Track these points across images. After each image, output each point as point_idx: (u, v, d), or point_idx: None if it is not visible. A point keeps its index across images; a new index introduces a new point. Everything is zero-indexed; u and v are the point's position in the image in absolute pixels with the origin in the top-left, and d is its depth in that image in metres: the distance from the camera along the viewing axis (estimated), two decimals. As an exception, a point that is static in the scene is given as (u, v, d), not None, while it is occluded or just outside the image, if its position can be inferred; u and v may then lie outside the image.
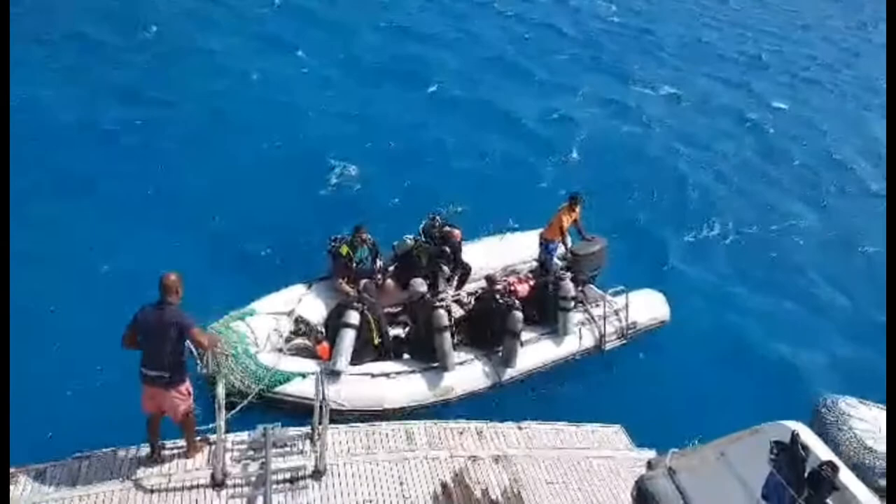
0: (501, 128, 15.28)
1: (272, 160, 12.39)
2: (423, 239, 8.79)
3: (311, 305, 8.10)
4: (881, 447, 5.94)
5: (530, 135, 15.31)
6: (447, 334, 7.38)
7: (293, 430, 6.16)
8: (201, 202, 10.82)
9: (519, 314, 7.72)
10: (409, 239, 8.77)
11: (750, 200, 14.50)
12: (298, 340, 7.79)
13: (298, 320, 7.89)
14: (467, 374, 7.65)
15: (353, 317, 7.04)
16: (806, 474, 4.89)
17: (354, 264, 8.24)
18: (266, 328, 7.52)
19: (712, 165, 15.67)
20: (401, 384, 7.29)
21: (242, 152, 12.49)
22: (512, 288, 8.72)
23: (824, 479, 4.80)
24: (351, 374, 7.12)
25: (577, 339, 8.53)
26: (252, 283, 8.61)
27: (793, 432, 5.10)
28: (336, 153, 12.83)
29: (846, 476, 4.93)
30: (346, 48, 18.10)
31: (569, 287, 8.38)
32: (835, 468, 4.87)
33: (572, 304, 8.42)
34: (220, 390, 5.44)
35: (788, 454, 5.05)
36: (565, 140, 15.28)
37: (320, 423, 5.75)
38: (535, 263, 9.67)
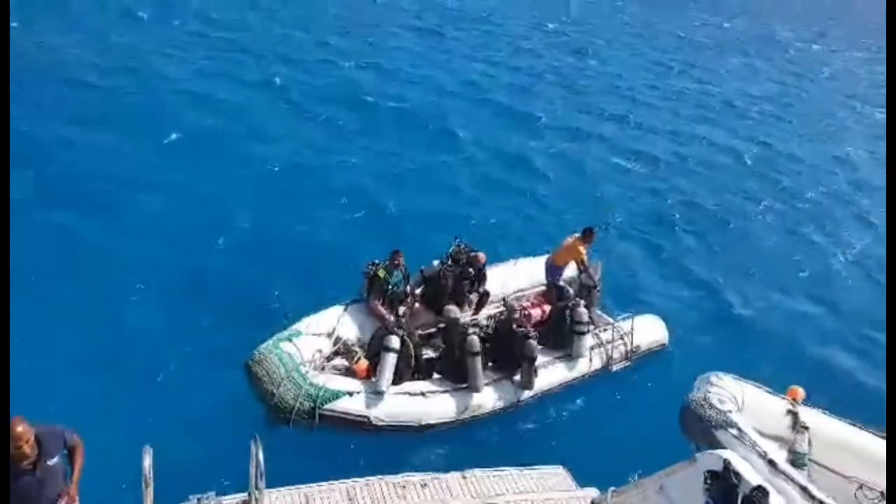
0: (491, 162, 16.88)
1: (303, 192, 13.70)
2: (450, 263, 9.54)
3: (349, 327, 8.78)
4: (723, 406, 7.38)
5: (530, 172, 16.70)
6: (479, 358, 8.13)
7: (227, 500, 5.96)
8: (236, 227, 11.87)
9: (534, 342, 8.51)
10: (436, 263, 9.51)
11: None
12: (338, 360, 8.46)
13: (338, 341, 8.56)
14: (492, 394, 8.41)
15: (395, 342, 7.75)
16: (739, 500, 5.10)
17: (389, 287, 8.95)
18: (311, 348, 8.17)
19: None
20: (435, 403, 8.02)
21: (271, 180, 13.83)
22: (526, 313, 9.53)
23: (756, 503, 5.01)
24: (391, 394, 7.83)
25: (587, 362, 9.34)
26: (292, 305, 9.42)
27: (724, 461, 5.37)
28: (353, 184, 14.21)
29: (776, 500, 5.23)
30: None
31: (583, 312, 9.19)
32: (765, 492, 5.06)
33: (586, 328, 9.24)
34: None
35: (722, 482, 5.21)
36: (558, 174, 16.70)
37: (257, 489, 5.73)
38: (542, 287, 10.50)
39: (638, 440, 8.35)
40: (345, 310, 8.95)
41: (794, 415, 7.77)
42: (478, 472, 6.97)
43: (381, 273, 8.90)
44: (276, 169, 14.72)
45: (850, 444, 7.59)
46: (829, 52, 37.79)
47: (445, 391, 8.15)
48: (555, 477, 7.16)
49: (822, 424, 7.76)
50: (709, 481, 5.27)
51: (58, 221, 11.40)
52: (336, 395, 7.61)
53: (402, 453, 7.80)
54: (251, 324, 9.14)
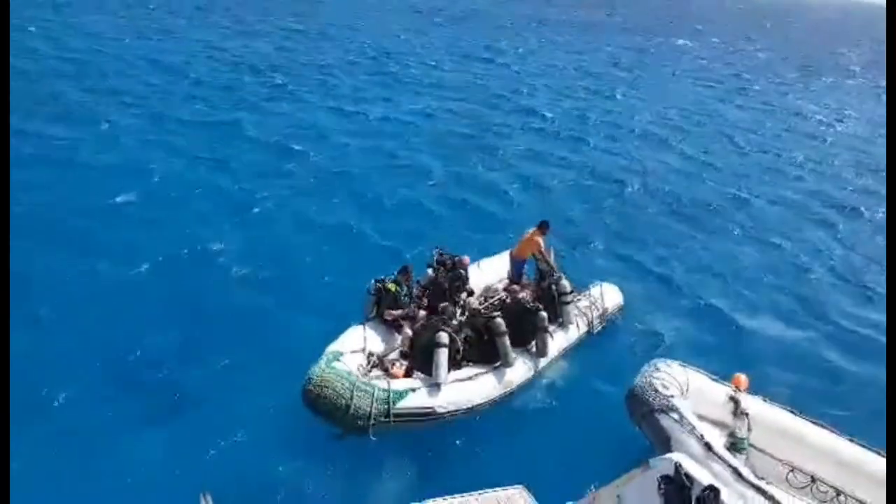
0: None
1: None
2: (436, 268, 10.46)
3: (375, 341, 9.37)
4: (666, 391, 7.84)
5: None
6: (507, 337, 9.13)
7: None
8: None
9: (544, 314, 9.71)
10: (430, 272, 10.39)
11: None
12: (375, 371, 9.02)
13: (371, 355, 9.12)
14: (521, 367, 9.42)
15: (444, 337, 8.54)
16: (693, 501, 5.19)
17: (400, 298, 9.69)
18: (354, 364, 8.68)
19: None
20: (480, 384, 8.87)
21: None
22: (516, 297, 10.71)
23: (708, 503, 5.12)
24: (447, 384, 8.57)
25: (576, 329, 10.70)
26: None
27: (675, 464, 5.41)
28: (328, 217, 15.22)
29: (727, 497, 5.40)
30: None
31: (566, 284, 10.55)
32: (717, 492, 5.16)
33: (570, 298, 10.59)
34: None
35: (674, 486, 5.28)
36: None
37: None
38: (506, 281, 11.75)
39: (595, 446, 8.61)
40: (364, 328, 9.50)
41: (736, 401, 8.10)
42: (439, 500, 6.60)
43: (393, 287, 9.64)
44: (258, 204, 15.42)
45: (787, 430, 7.95)
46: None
47: (486, 372, 9.03)
48: (516, 497, 6.81)
49: (762, 411, 8.10)
50: (662, 486, 5.32)
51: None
52: (403, 394, 8.21)
53: (363, 486, 7.94)
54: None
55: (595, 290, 11.37)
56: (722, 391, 8.28)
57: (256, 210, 15.18)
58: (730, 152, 24.24)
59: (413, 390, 8.31)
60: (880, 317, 13.42)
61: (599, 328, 11.20)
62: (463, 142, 22.11)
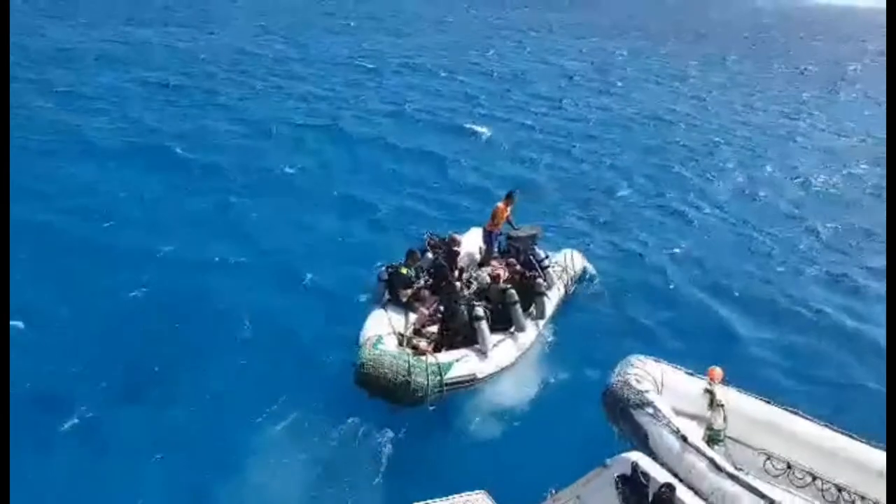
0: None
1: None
2: (435, 252, 11.28)
3: (399, 322, 10.05)
4: (641, 387, 7.79)
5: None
6: (518, 305, 10.19)
7: None
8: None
9: (541, 280, 10.89)
10: (430, 255, 11.16)
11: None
12: (406, 349, 9.72)
13: (401, 335, 9.79)
14: (530, 330, 10.53)
15: (481, 311, 9.45)
16: (650, 499, 5.26)
17: (413, 279, 10.44)
18: (392, 345, 9.34)
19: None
20: (504, 348, 9.87)
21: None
22: (495, 273, 11.78)
23: (664, 500, 5.19)
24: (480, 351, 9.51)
25: (557, 291, 11.99)
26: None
27: (632, 463, 5.45)
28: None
29: (682, 492, 5.49)
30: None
31: (540, 252, 11.78)
32: (672, 488, 5.22)
33: (548, 263, 11.83)
34: None
35: (632, 485, 5.32)
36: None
37: None
38: (479, 256, 12.77)
39: (557, 447, 8.63)
40: (386, 311, 10.13)
41: (711, 394, 8.05)
42: None
43: (405, 270, 10.35)
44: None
45: (762, 419, 7.92)
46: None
47: (505, 338, 10.04)
48: (478, 502, 6.65)
49: (737, 402, 8.07)
50: (620, 486, 5.33)
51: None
52: (450, 366, 9.03)
53: (321, 498, 7.90)
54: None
55: (561, 257, 12.69)
56: (697, 384, 8.27)
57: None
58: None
59: (457, 361, 9.15)
60: (847, 301, 14.13)
61: (573, 289, 12.56)
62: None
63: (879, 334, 12.39)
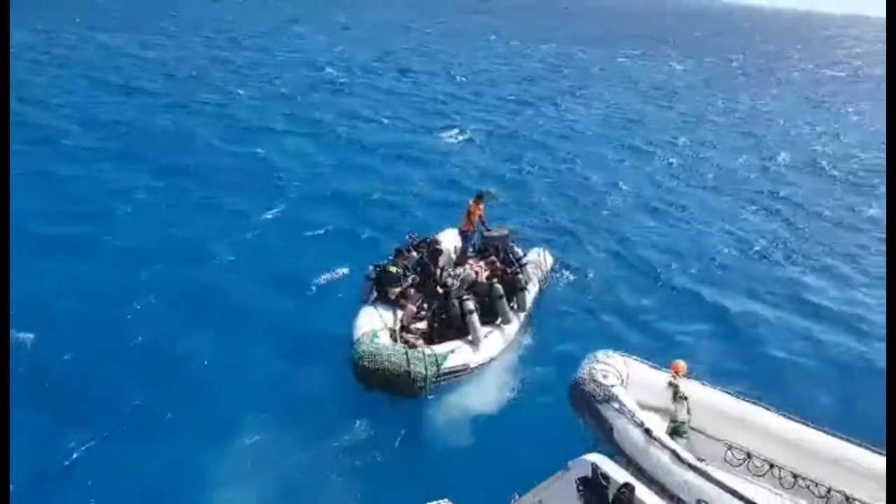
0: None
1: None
2: (419, 251, 11.85)
3: (390, 319, 10.47)
4: (607, 381, 7.94)
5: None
6: (504, 299, 10.82)
7: None
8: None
9: (522, 276, 11.56)
10: (414, 255, 11.72)
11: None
12: (399, 343, 10.27)
13: (392, 330, 10.32)
14: (514, 322, 11.09)
15: (472, 304, 9.97)
16: (610, 500, 5.34)
17: (402, 277, 10.98)
18: (386, 339, 9.85)
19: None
20: (493, 339, 10.36)
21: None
22: (476, 270, 12.43)
23: (624, 501, 5.27)
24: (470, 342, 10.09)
25: (534, 286, 12.66)
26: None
27: (592, 465, 5.49)
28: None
29: (642, 492, 5.60)
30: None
31: (517, 250, 12.45)
32: (631, 488, 5.32)
33: (525, 259, 12.51)
34: None
35: (592, 487, 5.39)
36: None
37: None
38: (455, 255, 13.37)
39: (519, 450, 8.72)
40: (376, 308, 10.63)
41: (675, 387, 8.20)
42: None
43: (393, 269, 10.84)
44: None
45: (724, 411, 8.08)
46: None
47: (494, 330, 10.56)
48: None
49: (700, 394, 8.21)
50: (581, 488, 5.41)
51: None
52: (445, 356, 9.52)
53: None
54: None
55: (533, 255, 13.34)
56: (661, 378, 8.40)
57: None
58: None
59: (452, 352, 9.63)
60: (813, 294, 14.68)
61: (546, 284, 13.28)
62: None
63: (843, 328, 13.15)
